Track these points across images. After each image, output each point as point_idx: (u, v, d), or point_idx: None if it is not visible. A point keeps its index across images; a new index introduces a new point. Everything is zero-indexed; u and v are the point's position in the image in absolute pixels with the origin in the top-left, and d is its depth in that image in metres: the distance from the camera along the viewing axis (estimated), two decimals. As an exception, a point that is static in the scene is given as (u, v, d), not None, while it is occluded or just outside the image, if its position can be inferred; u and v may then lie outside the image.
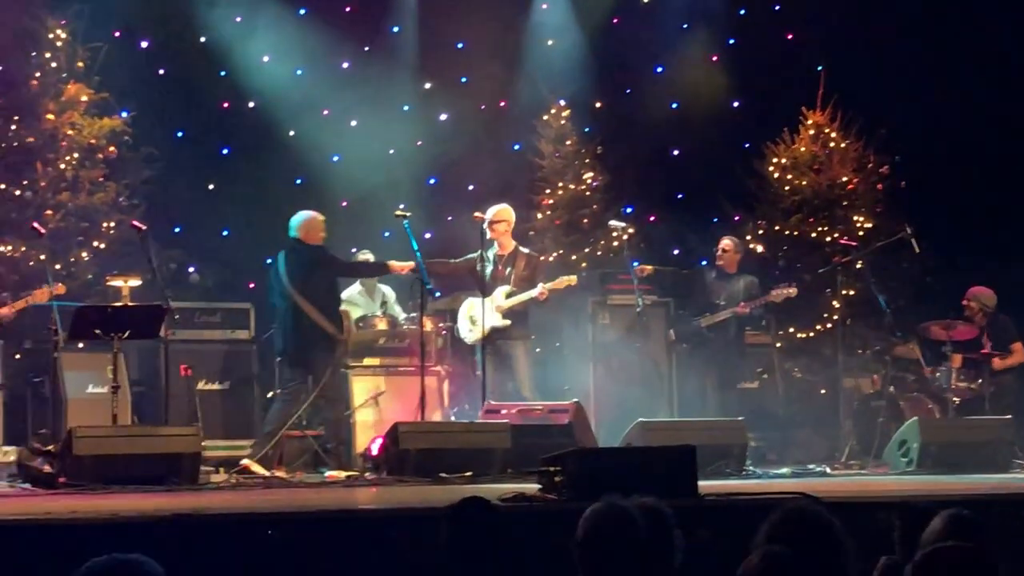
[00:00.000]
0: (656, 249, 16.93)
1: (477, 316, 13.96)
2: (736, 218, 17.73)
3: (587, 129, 17.73)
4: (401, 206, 13.85)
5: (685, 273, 15.52)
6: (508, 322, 13.90)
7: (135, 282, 13.30)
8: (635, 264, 14.82)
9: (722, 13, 18.28)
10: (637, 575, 5.27)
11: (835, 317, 16.38)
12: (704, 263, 16.21)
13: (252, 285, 16.38)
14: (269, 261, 13.92)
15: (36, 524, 8.13)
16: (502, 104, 17.89)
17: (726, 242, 15.30)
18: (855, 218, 17.28)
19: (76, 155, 15.03)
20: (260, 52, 16.72)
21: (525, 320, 14.11)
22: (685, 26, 18.36)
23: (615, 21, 18.19)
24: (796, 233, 17.39)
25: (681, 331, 15.13)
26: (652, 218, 17.76)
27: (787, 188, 17.58)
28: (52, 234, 13.89)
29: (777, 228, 17.46)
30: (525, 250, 14.35)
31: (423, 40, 17.65)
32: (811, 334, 17.07)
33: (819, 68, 17.50)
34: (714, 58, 18.28)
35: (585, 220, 17.28)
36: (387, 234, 15.93)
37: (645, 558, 5.31)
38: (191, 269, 15.81)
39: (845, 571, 4.95)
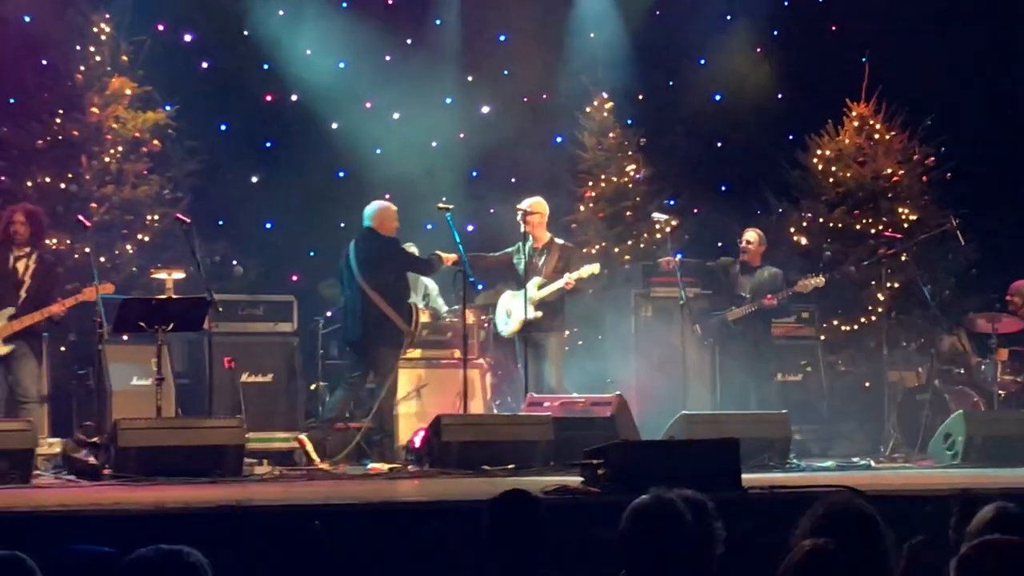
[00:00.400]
0: (699, 241, 16.89)
1: (512, 309, 13.94)
2: (780, 210, 17.67)
3: (630, 121, 17.68)
4: (443, 199, 13.85)
5: (709, 266, 15.40)
6: (540, 314, 13.84)
7: (179, 275, 13.32)
8: (667, 258, 14.74)
9: (766, 4, 18.21)
10: (682, 567, 5.25)
11: (880, 310, 16.30)
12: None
13: (295, 278, 16.46)
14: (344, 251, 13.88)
15: (81, 516, 8.16)
16: (544, 96, 17.88)
17: (750, 235, 15.16)
18: (900, 210, 17.20)
19: (120, 148, 15.09)
20: (303, 45, 16.75)
21: (558, 312, 14.02)
22: (728, 17, 18.31)
23: (657, 12, 18.14)
24: (840, 225, 17.32)
25: (706, 325, 15.02)
26: (695, 210, 17.71)
27: (831, 180, 17.51)
28: (97, 227, 13.94)
29: (821, 220, 17.39)
30: (560, 241, 14.29)
31: (465, 33, 17.65)
32: (855, 327, 17.01)
33: (863, 59, 17.42)
34: (758, 49, 18.21)
35: (628, 212, 17.25)
36: (430, 226, 15.94)
37: (689, 550, 5.29)
38: (234, 262, 15.84)
39: (886, 564, 4.93)
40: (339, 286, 14.08)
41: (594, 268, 14.02)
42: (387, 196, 16.29)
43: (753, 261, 15.06)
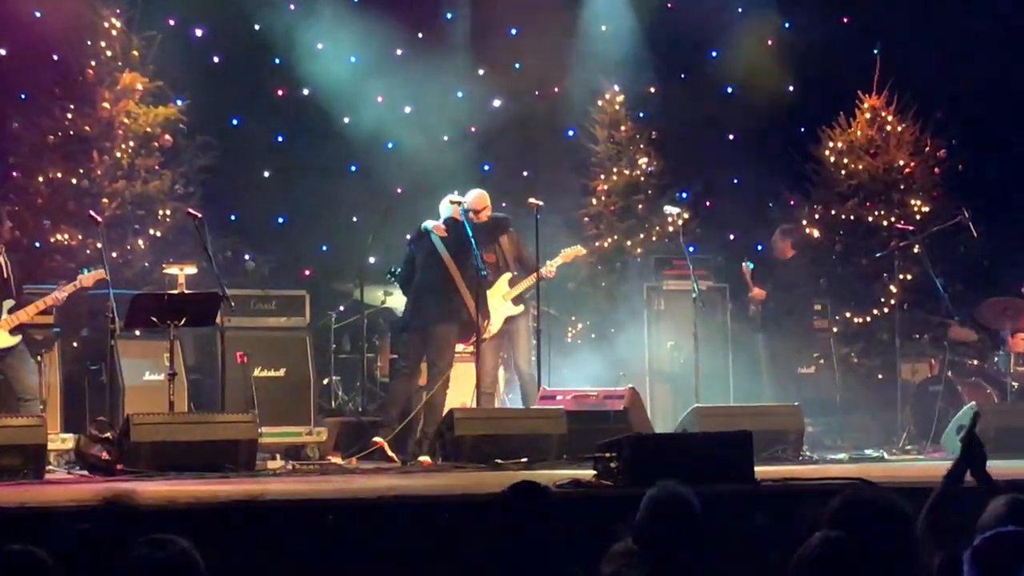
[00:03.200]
0: (711, 235, 16.89)
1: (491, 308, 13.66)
2: (792, 203, 17.66)
3: (641, 114, 17.65)
4: (455, 193, 13.84)
5: None
6: (521, 307, 13.80)
7: (191, 270, 13.34)
8: (690, 249, 14.74)
9: (777, -4, 18.19)
10: (695, 560, 5.26)
11: (892, 302, 16.28)
12: (760, 248, 16.14)
13: (307, 272, 16.45)
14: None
15: (93, 511, 8.16)
16: (556, 90, 17.85)
17: None
18: (912, 202, 17.19)
19: (132, 144, 15.09)
20: (314, 40, 16.73)
21: (522, 296, 13.95)
22: (740, 10, 18.27)
23: (669, 5, 18.11)
24: (853, 217, 17.31)
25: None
26: (708, 203, 17.69)
27: (843, 172, 17.50)
28: (108, 222, 13.94)
29: (833, 212, 17.38)
30: (499, 216, 14.06)
31: (476, 26, 17.63)
32: (868, 319, 17.00)
33: (875, 52, 17.38)
34: (769, 42, 18.16)
35: (640, 206, 17.23)
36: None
37: (703, 543, 5.31)
38: (246, 256, 15.86)
39: (911, 556, 4.92)
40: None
41: (578, 250, 13.99)
42: (399, 190, 16.34)
43: None
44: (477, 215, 13.49)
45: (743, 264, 15.43)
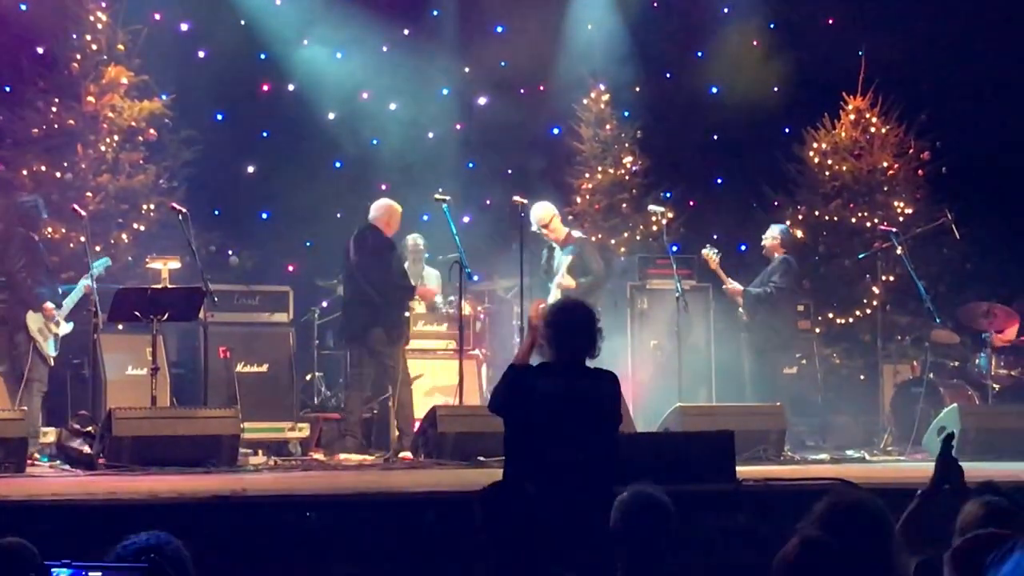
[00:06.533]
0: (695, 234, 16.90)
1: None
2: (776, 203, 17.69)
3: (626, 113, 17.69)
4: (440, 190, 13.84)
5: None
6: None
7: (174, 264, 13.32)
8: (674, 249, 14.74)
9: (763, -3, 18.22)
10: (668, 560, 5.29)
11: (875, 303, 16.32)
12: (744, 248, 16.15)
13: (291, 268, 16.43)
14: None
15: (75, 505, 8.17)
16: (541, 88, 17.87)
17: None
18: (895, 204, 17.25)
19: (116, 138, 15.07)
20: (300, 35, 16.73)
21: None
22: (725, 10, 18.30)
23: (655, 5, 18.14)
24: (836, 219, 17.36)
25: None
26: (692, 203, 17.72)
27: (827, 173, 17.55)
28: (92, 216, 13.89)
29: (817, 213, 17.43)
30: (577, 235, 14.38)
31: (463, 24, 17.63)
32: (850, 320, 17.05)
33: (860, 53, 17.43)
34: (755, 43, 18.18)
35: (624, 205, 17.27)
36: (426, 217, 15.93)
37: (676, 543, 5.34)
38: (230, 252, 15.85)
39: (890, 558, 4.94)
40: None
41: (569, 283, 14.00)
42: (384, 187, 16.32)
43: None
44: (547, 230, 13.92)
45: (704, 252, 14.85)
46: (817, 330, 16.36)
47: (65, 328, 12.74)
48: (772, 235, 14.99)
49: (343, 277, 13.83)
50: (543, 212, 13.99)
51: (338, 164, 17.25)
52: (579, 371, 7.42)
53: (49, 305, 12.55)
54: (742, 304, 14.56)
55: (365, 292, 13.26)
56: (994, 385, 14.65)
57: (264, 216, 17.03)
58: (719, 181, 18.37)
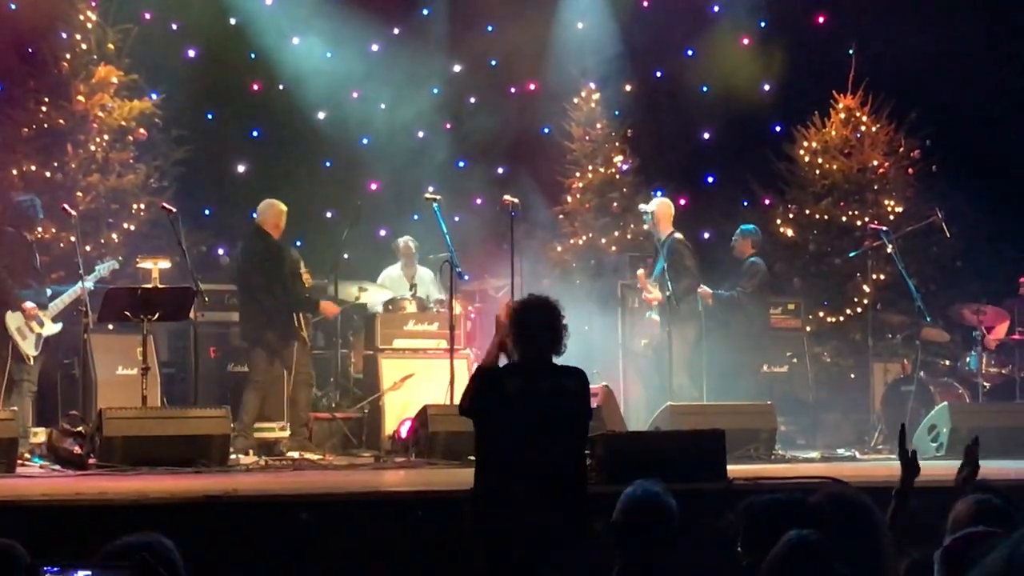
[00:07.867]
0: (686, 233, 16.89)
1: None
2: (766, 202, 17.69)
3: (617, 112, 17.68)
4: (430, 189, 13.84)
5: None
6: None
7: (165, 264, 13.30)
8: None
9: (753, -5, 18.22)
10: (670, 556, 5.29)
11: (865, 301, 16.33)
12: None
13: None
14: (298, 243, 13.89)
15: (65, 505, 8.16)
16: (531, 87, 17.87)
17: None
18: (886, 202, 17.24)
19: (106, 137, 15.05)
20: (290, 34, 16.72)
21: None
22: (716, 9, 18.30)
23: (645, 4, 18.13)
24: (826, 217, 17.35)
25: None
26: (682, 202, 17.72)
27: (818, 172, 17.54)
28: (82, 216, 13.88)
29: (807, 212, 17.42)
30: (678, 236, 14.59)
31: (453, 23, 17.62)
32: (841, 318, 17.05)
33: (850, 51, 17.43)
34: (745, 41, 18.18)
35: (615, 204, 17.26)
36: (416, 217, 15.93)
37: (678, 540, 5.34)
38: (221, 251, 15.83)
39: (880, 553, 4.94)
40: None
41: None
42: (374, 186, 16.31)
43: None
44: (657, 226, 14.37)
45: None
46: (808, 329, 16.36)
47: (51, 328, 12.69)
48: (740, 236, 15.08)
49: (236, 279, 13.75)
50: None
51: (328, 163, 17.25)
52: (546, 369, 7.42)
53: (29, 305, 12.50)
54: (710, 303, 14.58)
55: (255, 297, 13.23)
56: (984, 383, 14.67)
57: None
58: (710, 180, 18.37)
